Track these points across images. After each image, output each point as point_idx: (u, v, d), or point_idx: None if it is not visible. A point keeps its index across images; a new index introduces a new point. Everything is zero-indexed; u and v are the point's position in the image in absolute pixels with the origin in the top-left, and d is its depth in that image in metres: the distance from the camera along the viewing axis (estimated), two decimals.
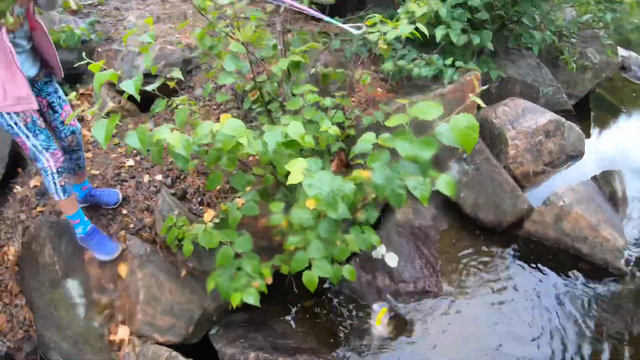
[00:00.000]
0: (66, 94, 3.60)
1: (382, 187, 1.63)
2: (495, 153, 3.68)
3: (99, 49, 3.70)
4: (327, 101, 2.15)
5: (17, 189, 3.02)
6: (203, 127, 1.63)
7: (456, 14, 3.17)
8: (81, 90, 3.62)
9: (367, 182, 1.76)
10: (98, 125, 1.65)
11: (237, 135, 1.56)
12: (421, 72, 2.72)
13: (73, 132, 2.51)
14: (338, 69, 2.76)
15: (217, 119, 3.13)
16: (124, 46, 3.47)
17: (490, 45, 3.39)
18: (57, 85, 2.39)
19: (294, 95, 2.09)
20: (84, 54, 2.00)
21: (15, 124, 2.13)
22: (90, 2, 4.23)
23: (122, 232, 2.74)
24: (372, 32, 2.13)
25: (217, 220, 2.29)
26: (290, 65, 2.07)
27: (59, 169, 2.29)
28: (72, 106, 3.67)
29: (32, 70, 2.21)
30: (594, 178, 3.72)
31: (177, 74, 2.17)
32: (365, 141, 1.71)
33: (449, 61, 3.08)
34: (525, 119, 3.85)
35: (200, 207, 2.81)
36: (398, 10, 2.31)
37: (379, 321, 2.73)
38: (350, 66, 3.17)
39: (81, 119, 3.45)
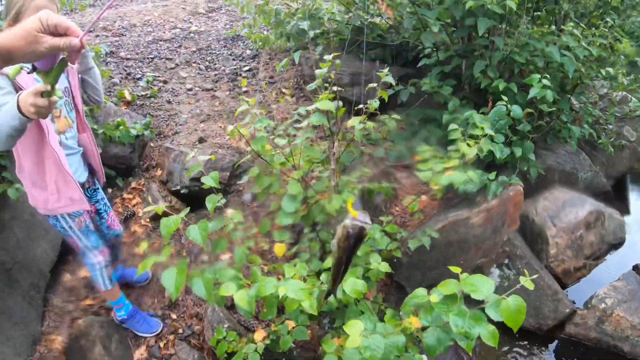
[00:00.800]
0: (119, 188, 3.86)
1: (433, 347, 1.69)
2: (535, 252, 3.70)
3: (152, 144, 3.91)
4: (377, 234, 2.24)
5: (67, 277, 3.16)
6: (267, 286, 1.73)
7: (499, 126, 3.26)
8: (133, 185, 3.81)
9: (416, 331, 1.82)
10: (168, 275, 1.74)
11: (301, 299, 1.65)
12: (467, 188, 2.80)
13: (117, 235, 2.75)
14: (381, 176, 2.86)
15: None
16: (176, 145, 3.66)
17: (532, 156, 3.46)
18: (102, 194, 2.60)
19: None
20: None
21: (70, 227, 2.32)
22: (143, 93, 4.46)
23: (171, 337, 2.84)
24: (423, 171, 2.22)
25: (268, 342, 2.36)
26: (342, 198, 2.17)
27: (106, 264, 2.52)
28: (124, 199, 3.88)
29: (83, 176, 2.40)
30: (636, 267, 3.70)
31: (208, 180, 2.19)
32: (417, 298, 1.79)
33: (492, 175, 3.15)
34: (565, 213, 3.86)
35: (251, 321, 2.89)
36: (448, 148, 2.39)
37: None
38: (396, 174, 3.27)
39: (132, 215, 3.62)
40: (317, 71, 2.20)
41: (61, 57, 1.15)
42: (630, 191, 5.25)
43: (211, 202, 2.00)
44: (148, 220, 3.60)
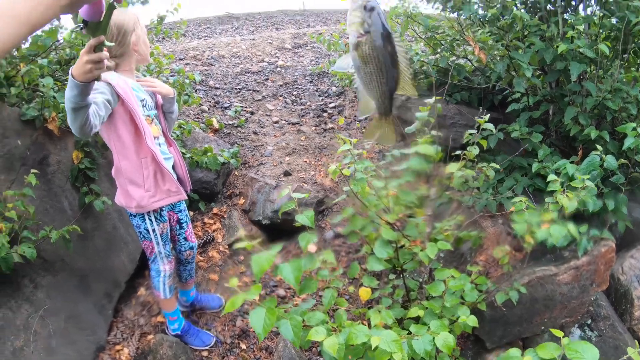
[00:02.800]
0: (201, 212, 4.00)
1: None
2: (619, 312, 3.46)
3: (236, 172, 4.04)
4: (467, 285, 2.18)
5: (142, 291, 3.25)
6: (358, 334, 1.71)
7: (592, 176, 3.11)
8: (215, 210, 3.93)
9: None
10: (256, 315, 1.71)
11: (393, 351, 1.62)
12: (558, 242, 2.67)
13: (191, 248, 2.83)
14: (468, 224, 2.79)
15: (346, 267, 3.23)
16: (261, 176, 3.76)
17: (625, 209, 3.27)
18: (185, 205, 2.70)
19: (432, 273, 2.16)
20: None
21: (154, 230, 2.45)
22: (231, 122, 4.65)
23: None
24: (518, 223, 2.15)
25: None
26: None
27: (170, 274, 2.64)
28: (204, 223, 4.02)
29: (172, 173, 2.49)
30: None
31: (302, 219, 2.19)
32: (510, 359, 1.71)
33: (583, 229, 2.99)
34: None
35: None
36: (546, 200, 2.31)
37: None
38: (481, 222, 3.19)
39: (212, 240, 3.73)
40: (418, 114, 2.21)
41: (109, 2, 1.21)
42: None
43: (304, 240, 2.01)
44: (227, 247, 3.69)
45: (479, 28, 3.86)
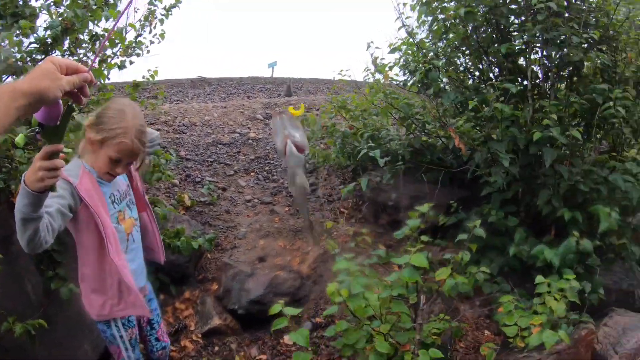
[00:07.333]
0: (172, 296, 3.84)
1: None
2: None
3: (209, 255, 3.93)
4: None
5: None
6: None
7: (568, 260, 3.18)
8: (186, 294, 3.79)
9: None
10: None
11: None
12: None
13: (164, 348, 2.64)
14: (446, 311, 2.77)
15: None
16: (235, 261, 3.67)
17: (601, 291, 3.33)
18: (156, 304, 2.56)
19: None
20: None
21: (121, 336, 2.25)
22: (203, 199, 4.56)
23: None
24: (508, 326, 2.14)
25: None
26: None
27: None
28: (175, 309, 3.85)
29: (142, 279, 2.38)
30: None
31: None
32: None
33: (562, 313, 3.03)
34: (627, 339, 3.60)
35: None
36: (533, 300, 2.33)
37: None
38: (458, 305, 3.18)
39: (184, 328, 3.57)
40: (409, 221, 2.21)
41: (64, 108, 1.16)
42: None
43: (303, 336, 1.97)
44: (200, 336, 3.53)
45: (457, 117, 3.98)
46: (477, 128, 3.80)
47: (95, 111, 2.10)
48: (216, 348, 3.43)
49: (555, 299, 2.26)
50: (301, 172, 1.80)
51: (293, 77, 10.96)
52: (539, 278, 2.45)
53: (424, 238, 2.22)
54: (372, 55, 4.50)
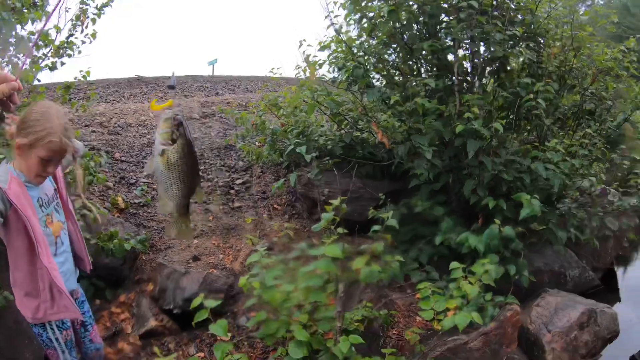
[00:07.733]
0: (107, 299, 3.78)
1: None
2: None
3: (143, 257, 3.89)
4: None
5: None
6: None
7: (492, 246, 3.35)
8: (122, 298, 3.74)
9: None
10: None
11: None
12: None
13: (98, 349, 2.69)
14: (377, 299, 2.88)
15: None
16: (169, 262, 3.65)
17: (526, 273, 3.53)
18: (88, 306, 2.61)
19: None
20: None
21: (57, 339, 2.28)
22: (137, 201, 4.50)
23: None
24: (425, 311, 2.26)
25: None
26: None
27: None
28: (112, 313, 3.79)
29: (73, 282, 2.42)
30: (633, 358, 3.76)
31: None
32: None
33: (488, 296, 3.19)
34: (558, 318, 3.85)
35: None
36: (449, 285, 2.45)
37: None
38: (389, 294, 3.30)
39: (120, 331, 3.53)
40: (324, 215, 2.29)
41: None
42: (619, 279, 5.37)
43: (222, 327, 2.00)
44: (137, 337, 3.50)
45: (382, 112, 4.10)
46: (402, 122, 3.93)
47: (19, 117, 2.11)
48: (155, 348, 3.41)
49: (470, 282, 2.40)
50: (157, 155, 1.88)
51: (232, 75, 10.89)
52: (454, 264, 2.59)
53: (339, 230, 2.31)
54: (303, 53, 4.58)
